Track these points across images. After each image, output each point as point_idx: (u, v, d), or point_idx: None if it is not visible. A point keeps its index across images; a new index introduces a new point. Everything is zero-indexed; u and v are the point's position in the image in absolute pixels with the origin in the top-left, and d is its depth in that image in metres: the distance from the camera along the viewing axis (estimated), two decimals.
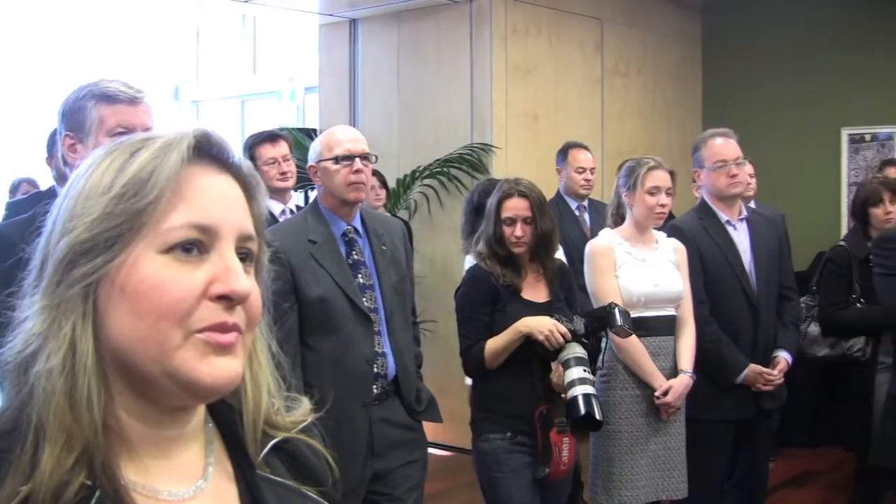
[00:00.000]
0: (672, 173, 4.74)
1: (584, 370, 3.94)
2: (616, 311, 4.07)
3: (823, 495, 6.98)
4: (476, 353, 4.21)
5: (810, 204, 9.45)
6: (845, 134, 9.67)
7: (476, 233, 4.70)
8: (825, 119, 9.66)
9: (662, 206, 4.59)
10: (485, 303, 4.25)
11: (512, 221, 4.23)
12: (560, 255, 4.84)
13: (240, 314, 1.19)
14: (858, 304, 5.19)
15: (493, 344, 4.17)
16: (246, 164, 1.27)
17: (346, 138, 4.01)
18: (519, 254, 4.28)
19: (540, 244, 4.27)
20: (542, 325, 4.05)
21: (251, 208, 1.25)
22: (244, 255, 1.22)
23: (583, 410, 3.82)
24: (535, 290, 4.33)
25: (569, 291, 4.42)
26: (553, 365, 4.07)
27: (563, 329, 4.04)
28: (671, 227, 4.95)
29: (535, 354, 4.09)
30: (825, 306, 5.28)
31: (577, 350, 4.01)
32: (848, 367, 5.29)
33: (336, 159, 3.92)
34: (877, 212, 5.30)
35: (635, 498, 4.47)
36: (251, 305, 1.20)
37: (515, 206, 4.25)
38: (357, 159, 3.93)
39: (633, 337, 4.43)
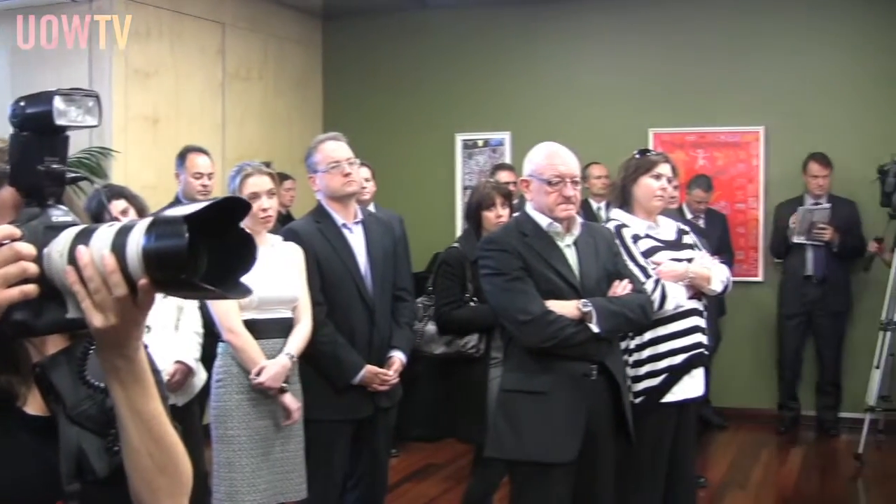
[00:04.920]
0: (272, 176, 4.79)
1: None
2: None
3: (444, 486, 7.25)
4: None
5: (427, 207, 9.79)
6: (459, 139, 10.09)
7: None
8: (441, 125, 10.04)
9: (265, 210, 4.64)
10: None
11: None
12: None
13: None
14: (472, 303, 5.40)
15: None
16: None
17: None
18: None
19: None
20: None
21: None
22: None
23: None
24: None
25: None
26: None
27: None
28: (287, 230, 4.99)
29: None
30: (440, 306, 5.45)
31: None
32: (464, 363, 5.46)
33: None
34: (489, 215, 5.49)
35: (257, 502, 4.47)
36: None
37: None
38: None
39: (249, 338, 4.47)
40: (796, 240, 8.73)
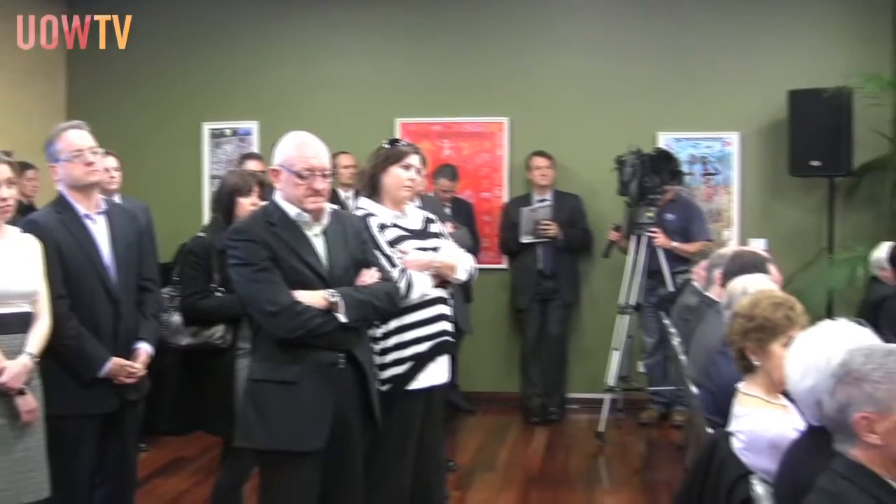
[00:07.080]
0: (12, 164, 4.61)
1: None
2: None
3: (194, 480, 7.20)
4: None
5: (174, 196, 9.67)
6: (206, 128, 10.00)
7: None
8: (187, 113, 9.94)
9: (4, 200, 4.47)
10: None
11: None
12: None
13: None
14: (218, 293, 5.36)
15: None
16: None
17: None
18: None
19: None
20: None
21: None
22: None
23: None
24: None
25: None
26: None
27: None
28: (27, 221, 4.82)
29: None
30: (186, 296, 5.35)
31: None
32: (211, 354, 5.41)
33: None
34: (245, 202, 5.39)
35: None
36: None
37: None
38: None
39: None
40: (524, 240, 9.10)
